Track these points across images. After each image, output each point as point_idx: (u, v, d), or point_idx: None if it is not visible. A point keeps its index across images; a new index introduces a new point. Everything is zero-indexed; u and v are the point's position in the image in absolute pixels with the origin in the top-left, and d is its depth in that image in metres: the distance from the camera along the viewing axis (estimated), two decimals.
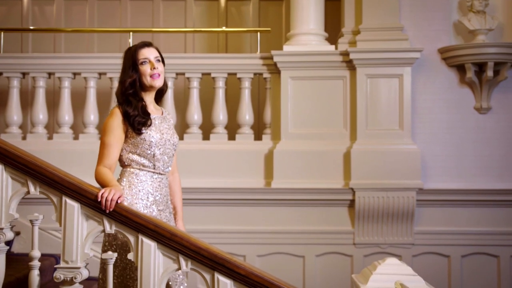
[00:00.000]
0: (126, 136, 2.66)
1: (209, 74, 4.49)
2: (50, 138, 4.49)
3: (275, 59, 4.31)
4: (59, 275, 2.48)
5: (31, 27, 5.63)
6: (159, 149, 2.68)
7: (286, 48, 4.37)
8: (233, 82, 4.73)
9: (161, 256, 2.52)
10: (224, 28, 5.26)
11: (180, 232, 2.52)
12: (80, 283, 2.52)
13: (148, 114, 2.67)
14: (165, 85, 2.80)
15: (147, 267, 2.49)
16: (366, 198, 4.17)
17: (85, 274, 2.53)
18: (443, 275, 4.27)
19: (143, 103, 2.68)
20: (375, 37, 4.27)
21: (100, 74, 4.52)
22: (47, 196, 2.54)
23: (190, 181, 4.07)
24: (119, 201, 2.43)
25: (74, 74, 4.52)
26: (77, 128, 4.71)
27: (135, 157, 2.67)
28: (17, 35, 5.66)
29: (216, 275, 2.48)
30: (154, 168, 2.69)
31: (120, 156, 2.69)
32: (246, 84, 4.48)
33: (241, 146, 4.39)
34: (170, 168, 2.78)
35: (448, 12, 4.38)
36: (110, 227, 2.52)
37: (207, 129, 4.55)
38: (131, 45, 2.86)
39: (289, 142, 4.30)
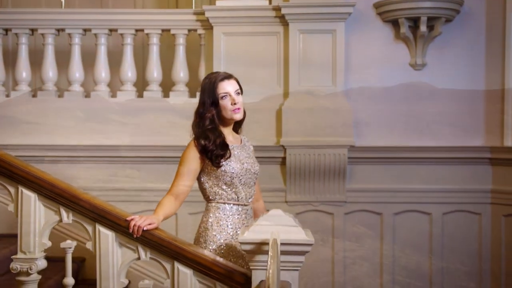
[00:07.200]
0: (207, 169, 2.68)
1: (142, 30, 4.40)
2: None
3: (207, 14, 4.21)
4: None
5: None
6: (240, 179, 2.69)
7: (219, 3, 4.26)
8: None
9: (42, 208, 2.50)
10: None
11: (61, 184, 2.50)
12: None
13: (227, 146, 2.67)
14: (244, 114, 2.77)
15: (27, 218, 2.48)
16: (297, 156, 4.12)
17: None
18: (375, 233, 4.26)
19: (222, 136, 2.67)
20: None
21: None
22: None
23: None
24: (145, 229, 2.43)
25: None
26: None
27: (219, 190, 2.69)
28: None
29: (98, 226, 2.47)
30: (238, 200, 2.71)
31: (204, 190, 2.73)
32: (181, 40, 4.38)
33: (175, 104, 4.32)
34: (252, 198, 2.79)
35: None
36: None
37: (141, 87, 4.49)
38: (212, 72, 2.83)
39: None
